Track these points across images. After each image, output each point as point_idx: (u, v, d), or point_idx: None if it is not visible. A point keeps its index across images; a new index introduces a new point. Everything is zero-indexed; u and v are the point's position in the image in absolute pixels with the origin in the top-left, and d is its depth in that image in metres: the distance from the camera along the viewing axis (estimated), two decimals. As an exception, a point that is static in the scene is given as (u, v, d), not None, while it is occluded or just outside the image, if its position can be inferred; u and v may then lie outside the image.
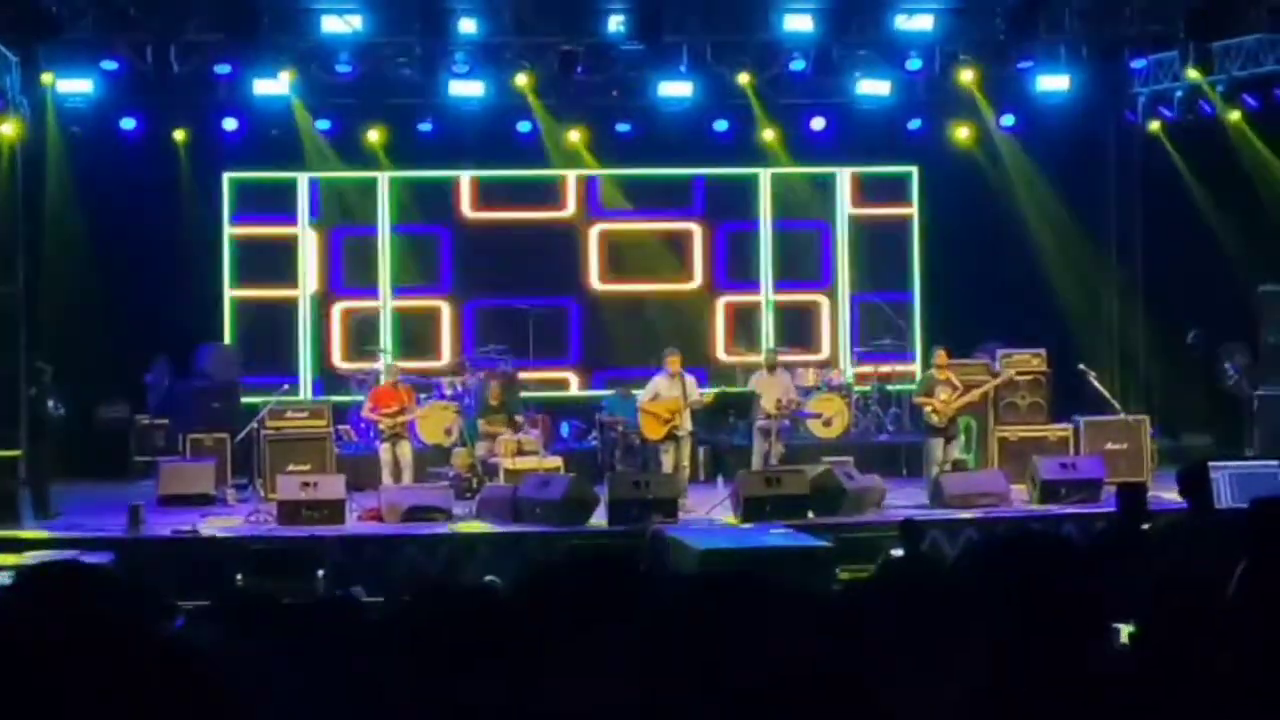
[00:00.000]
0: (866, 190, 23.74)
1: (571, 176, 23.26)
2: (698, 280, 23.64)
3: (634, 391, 19.77)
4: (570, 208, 23.40)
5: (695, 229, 23.64)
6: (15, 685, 1.83)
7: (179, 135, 21.71)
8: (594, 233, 23.44)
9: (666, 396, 18.83)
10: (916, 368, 22.16)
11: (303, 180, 22.83)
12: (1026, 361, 20.41)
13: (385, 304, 23.03)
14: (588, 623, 2.44)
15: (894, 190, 23.68)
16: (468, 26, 20.76)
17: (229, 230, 22.75)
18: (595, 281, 23.47)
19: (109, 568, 13.43)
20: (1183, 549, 9.49)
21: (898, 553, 13.79)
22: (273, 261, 22.87)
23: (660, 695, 2.38)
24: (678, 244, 23.60)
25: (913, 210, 23.62)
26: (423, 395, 20.42)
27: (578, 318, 23.33)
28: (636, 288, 23.35)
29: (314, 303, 22.94)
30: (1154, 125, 22.34)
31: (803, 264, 23.71)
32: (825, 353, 23.29)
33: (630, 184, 23.43)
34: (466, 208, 23.26)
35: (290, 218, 22.94)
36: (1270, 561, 6.70)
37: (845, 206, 23.70)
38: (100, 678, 1.86)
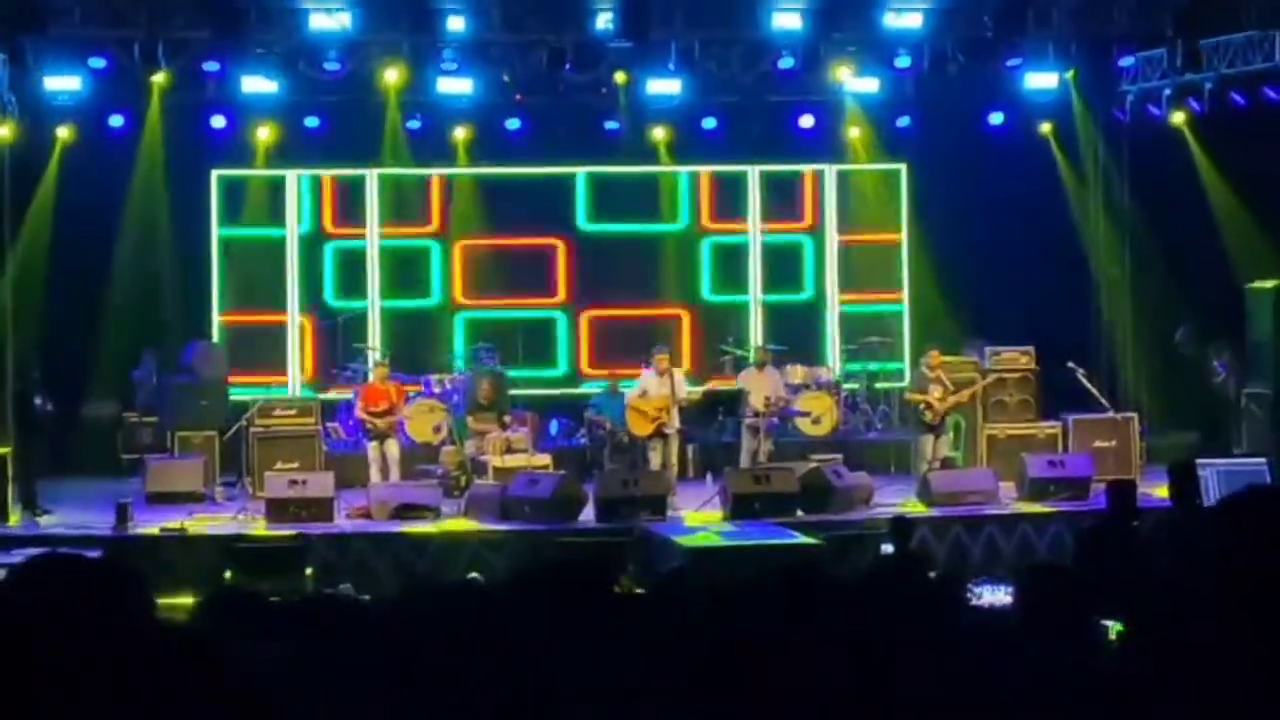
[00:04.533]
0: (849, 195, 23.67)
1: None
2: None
3: (622, 389, 19.76)
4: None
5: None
6: (14, 680, 1.82)
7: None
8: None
9: (655, 394, 18.82)
10: (905, 367, 22.21)
11: (291, 178, 22.73)
12: (1015, 359, 20.39)
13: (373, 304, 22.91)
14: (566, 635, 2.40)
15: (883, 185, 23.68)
16: (456, 24, 20.73)
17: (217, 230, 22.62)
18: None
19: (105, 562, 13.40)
20: (1171, 546, 9.49)
21: (888, 549, 13.81)
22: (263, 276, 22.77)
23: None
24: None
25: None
26: (412, 393, 20.37)
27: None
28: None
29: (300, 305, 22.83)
30: (1142, 123, 22.32)
31: (789, 273, 23.63)
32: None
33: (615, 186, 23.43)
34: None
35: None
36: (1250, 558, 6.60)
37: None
38: (101, 672, 1.85)
